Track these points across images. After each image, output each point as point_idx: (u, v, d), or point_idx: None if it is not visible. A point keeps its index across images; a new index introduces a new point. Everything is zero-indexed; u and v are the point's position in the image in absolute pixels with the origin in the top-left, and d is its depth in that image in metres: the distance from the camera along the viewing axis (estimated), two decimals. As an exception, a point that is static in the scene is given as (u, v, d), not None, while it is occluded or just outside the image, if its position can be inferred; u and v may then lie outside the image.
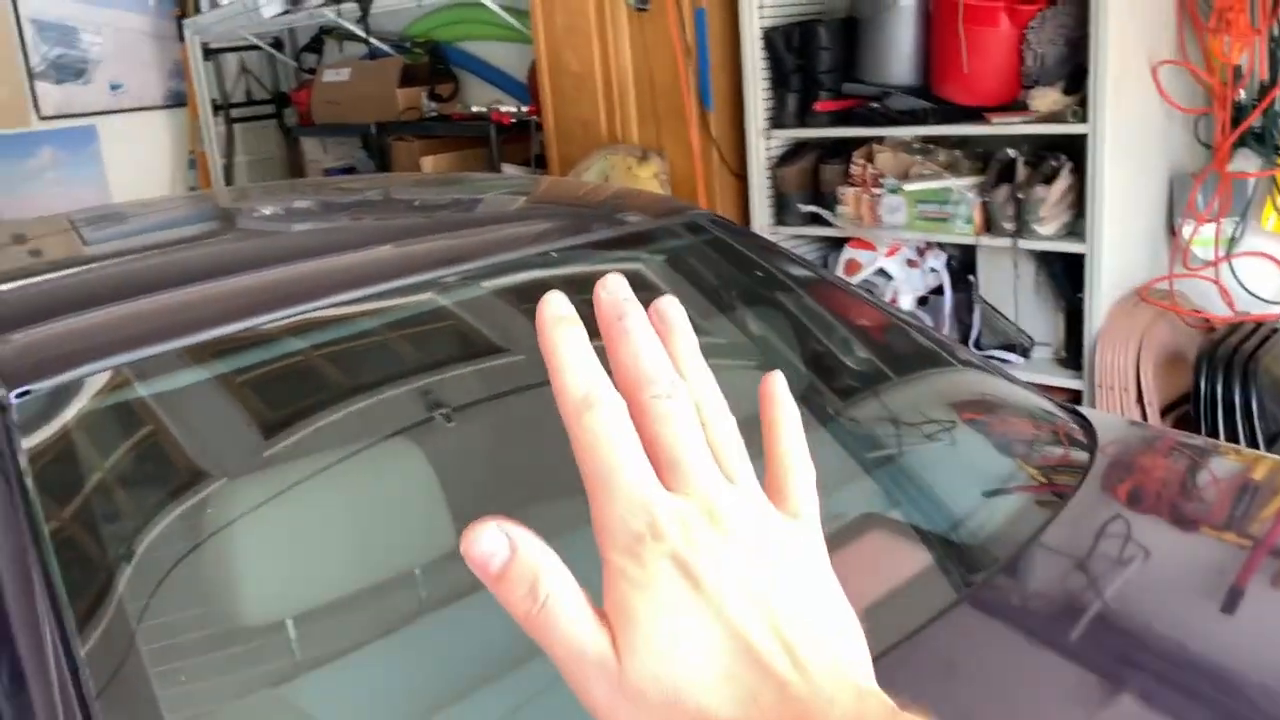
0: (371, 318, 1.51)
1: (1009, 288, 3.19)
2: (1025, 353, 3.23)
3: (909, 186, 3.24)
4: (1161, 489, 1.68)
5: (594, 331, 0.39)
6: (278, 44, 5.76)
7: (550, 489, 1.52)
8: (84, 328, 1.29)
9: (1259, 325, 2.87)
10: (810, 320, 1.92)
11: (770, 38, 3.44)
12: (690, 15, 3.55)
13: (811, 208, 3.54)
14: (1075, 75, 2.88)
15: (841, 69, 3.37)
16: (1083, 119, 2.80)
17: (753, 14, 3.42)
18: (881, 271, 3.40)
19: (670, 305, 0.41)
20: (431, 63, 4.91)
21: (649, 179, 3.67)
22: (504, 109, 4.36)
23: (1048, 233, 2.99)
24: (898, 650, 1.13)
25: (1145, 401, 2.87)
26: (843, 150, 3.49)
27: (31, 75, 5.27)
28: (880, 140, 3.39)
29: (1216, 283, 3.00)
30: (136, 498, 1.26)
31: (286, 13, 4.90)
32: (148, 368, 1.27)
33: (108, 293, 1.40)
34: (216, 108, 5.61)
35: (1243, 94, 2.88)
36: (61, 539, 1.08)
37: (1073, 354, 3.10)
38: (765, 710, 0.35)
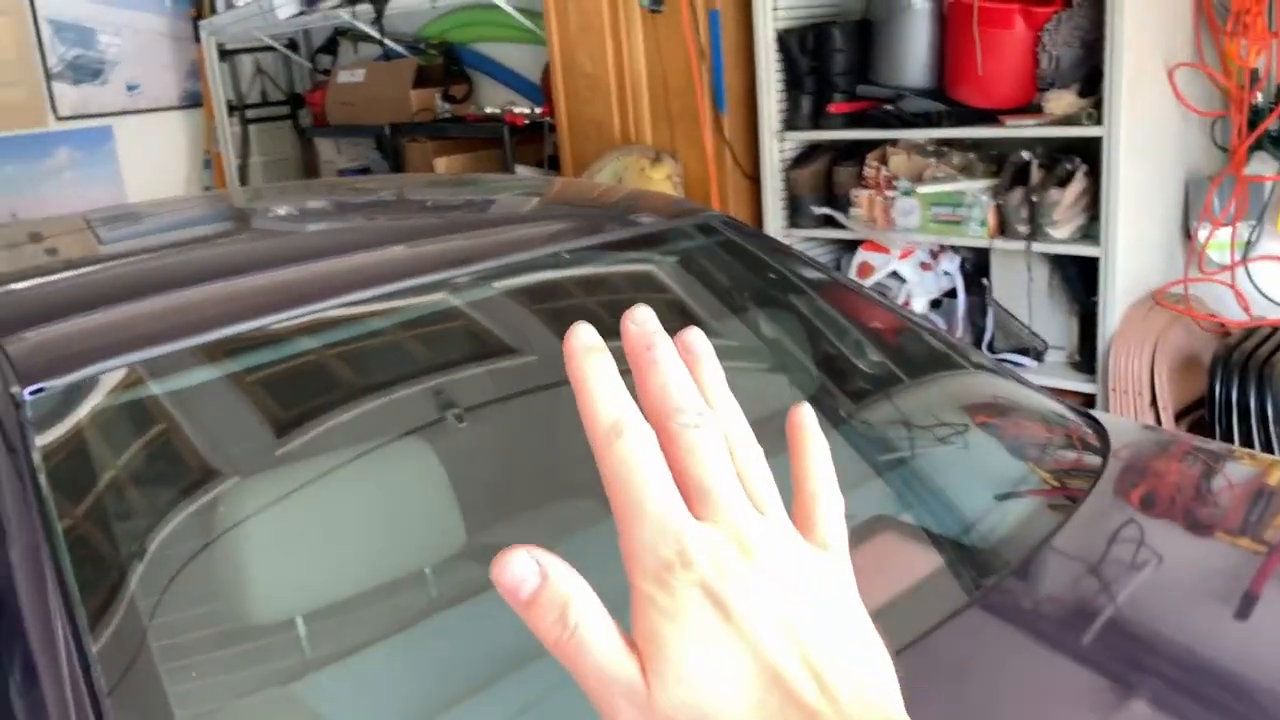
0: (384, 318, 1.51)
1: (1023, 291, 3.18)
2: (1039, 356, 3.22)
3: (923, 189, 3.24)
4: (1174, 493, 1.67)
5: (622, 363, 0.39)
6: (293, 45, 5.78)
7: (561, 489, 1.53)
8: (98, 326, 1.29)
9: (1275, 329, 2.85)
10: (823, 323, 1.91)
11: (784, 39, 3.44)
12: (704, 17, 3.55)
13: (825, 210, 3.54)
14: (1090, 78, 2.87)
15: (856, 71, 3.37)
16: (1098, 122, 2.79)
17: (767, 16, 3.42)
18: (895, 274, 3.39)
19: (697, 337, 0.41)
20: (445, 64, 4.92)
21: (662, 180, 3.67)
22: (517, 110, 4.37)
23: (1062, 236, 2.98)
24: (908, 652, 1.12)
25: (1159, 406, 2.86)
26: (856, 153, 3.48)
27: (49, 76, 5.30)
28: (894, 143, 3.38)
29: (1232, 287, 2.98)
30: (149, 495, 1.26)
31: (302, 14, 4.92)
32: (161, 366, 1.28)
33: (121, 291, 1.41)
34: (232, 108, 5.63)
35: (1260, 97, 2.87)
36: (74, 536, 1.08)
37: (1086, 358, 3.08)
38: None
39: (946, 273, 3.41)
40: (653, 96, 3.77)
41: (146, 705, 1.02)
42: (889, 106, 3.27)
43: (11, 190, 5.19)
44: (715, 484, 0.37)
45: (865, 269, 3.43)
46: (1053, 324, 3.22)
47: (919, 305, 3.36)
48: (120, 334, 1.28)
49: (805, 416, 0.44)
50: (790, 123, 3.53)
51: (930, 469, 1.66)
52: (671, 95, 3.71)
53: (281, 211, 2.14)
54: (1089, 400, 2.99)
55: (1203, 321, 3.00)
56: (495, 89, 4.89)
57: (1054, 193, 2.95)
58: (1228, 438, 2.71)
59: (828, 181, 3.54)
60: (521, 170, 4.31)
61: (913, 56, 3.20)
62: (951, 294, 3.41)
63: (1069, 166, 2.98)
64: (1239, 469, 1.77)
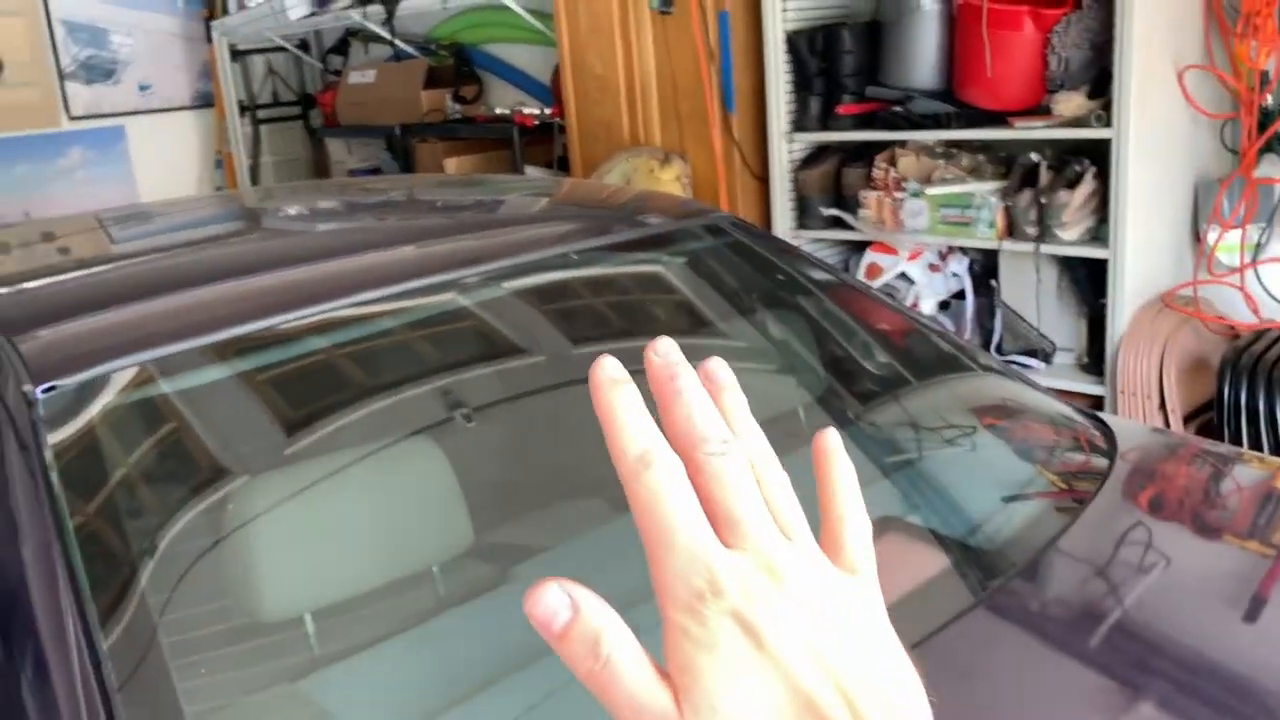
0: (393, 317, 1.52)
1: (1031, 293, 3.18)
2: (1047, 358, 3.21)
3: (931, 190, 3.23)
4: (1182, 495, 1.67)
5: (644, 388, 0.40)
6: (304, 46, 5.80)
7: (569, 489, 1.53)
8: (109, 325, 1.30)
9: (1284, 332, 2.85)
10: (831, 324, 1.92)
11: (793, 41, 3.44)
12: (714, 18, 3.56)
13: (833, 211, 3.54)
14: (1100, 80, 2.87)
15: (865, 72, 3.37)
16: (1107, 124, 2.79)
17: (776, 17, 3.42)
18: (903, 275, 3.39)
19: (719, 366, 0.42)
20: (456, 65, 4.93)
21: (671, 181, 3.68)
22: (527, 111, 4.38)
23: (1071, 238, 2.98)
24: (914, 653, 1.13)
25: (1168, 408, 2.85)
26: (865, 154, 3.48)
27: (62, 76, 5.33)
28: (903, 144, 3.38)
29: (1241, 289, 2.97)
30: (159, 493, 1.27)
31: (313, 15, 4.94)
32: (172, 365, 1.29)
33: (133, 290, 1.42)
34: (243, 109, 5.66)
35: (1270, 99, 2.86)
36: (85, 533, 1.09)
37: (1095, 360, 3.08)
38: None
39: (955, 274, 3.41)
40: (662, 97, 3.78)
41: (156, 701, 1.03)
42: (898, 108, 3.27)
43: (24, 190, 5.22)
44: (743, 512, 0.37)
45: (873, 270, 3.43)
46: (1061, 326, 3.21)
47: (927, 307, 3.36)
48: (131, 333, 1.29)
49: (831, 442, 0.44)
50: (799, 124, 3.53)
51: (937, 470, 1.66)
52: (680, 96, 3.72)
53: (292, 211, 2.15)
54: (1097, 402, 2.99)
55: (1212, 324, 2.99)
56: (505, 90, 4.90)
57: (1063, 194, 2.95)
58: (1236, 440, 2.70)
59: (836, 183, 3.54)
60: (531, 171, 4.32)
61: (922, 58, 3.20)
62: (960, 295, 3.41)
63: (1078, 168, 2.97)
64: (1247, 472, 1.77)
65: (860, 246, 3.55)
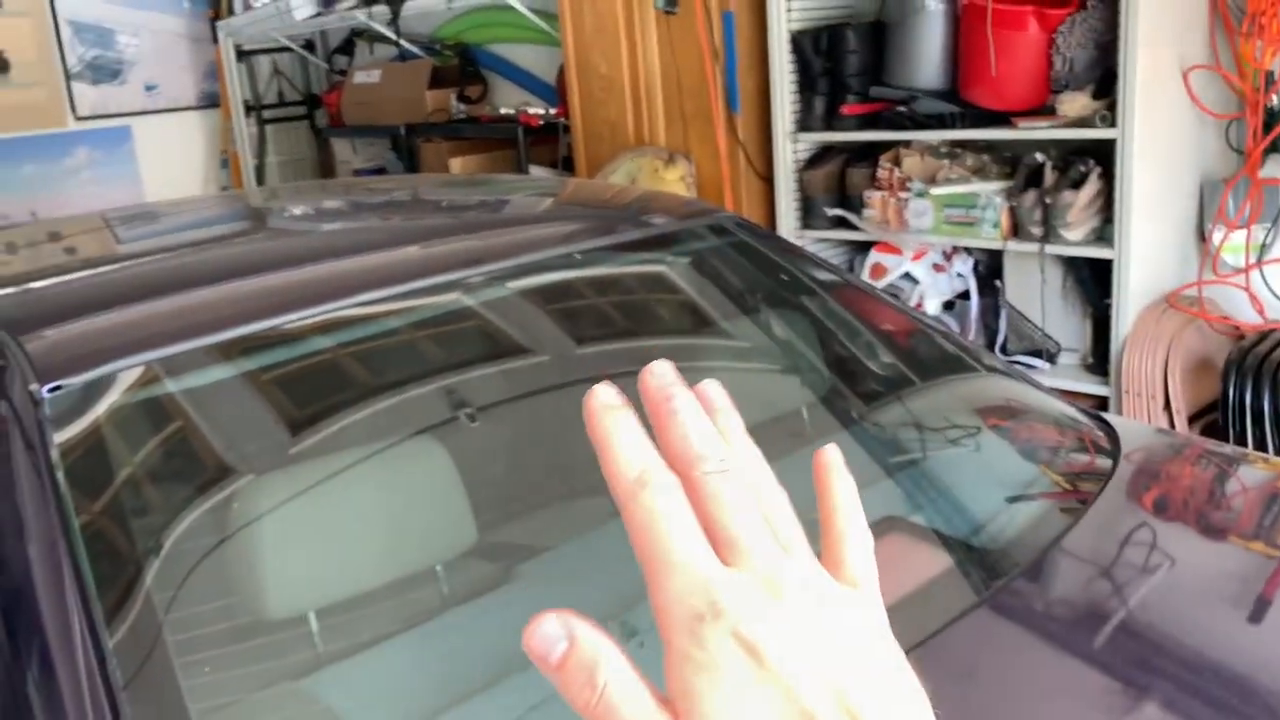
0: (397, 317, 1.52)
1: (1036, 293, 3.18)
2: (1052, 358, 3.21)
3: (936, 190, 3.23)
4: (1185, 496, 1.67)
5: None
6: (309, 46, 5.81)
7: (572, 488, 1.54)
8: (115, 324, 1.31)
9: (1289, 333, 2.84)
10: (835, 324, 1.92)
11: (798, 41, 3.44)
12: (718, 18, 3.56)
13: (838, 211, 3.54)
14: (1104, 79, 2.87)
15: (869, 72, 3.37)
16: (1112, 124, 2.79)
17: (781, 17, 3.42)
18: (907, 276, 3.39)
19: (713, 388, 0.42)
20: (461, 65, 4.94)
21: (675, 182, 3.68)
22: (532, 111, 4.38)
23: (1075, 238, 2.98)
24: (916, 652, 1.13)
25: (1173, 409, 2.85)
26: (870, 154, 3.48)
27: (68, 76, 5.34)
28: (907, 144, 3.38)
29: (1247, 290, 2.97)
30: (165, 492, 1.28)
31: (318, 15, 4.95)
32: (177, 364, 1.29)
33: (139, 290, 1.43)
34: (249, 109, 5.67)
35: (1275, 99, 2.86)
36: (91, 532, 1.10)
37: (1100, 360, 3.08)
38: None
39: (959, 274, 3.41)
40: (666, 97, 3.78)
41: (162, 699, 1.03)
42: (902, 108, 3.27)
43: (31, 190, 5.24)
44: (742, 530, 0.37)
45: (878, 270, 3.43)
46: (1066, 326, 3.21)
47: (932, 307, 3.36)
48: (137, 332, 1.29)
49: (832, 457, 0.44)
50: (804, 124, 3.53)
51: (941, 470, 1.66)
52: (685, 96, 3.72)
53: (297, 211, 2.16)
54: (1102, 403, 2.98)
55: (1217, 324, 2.99)
56: (510, 90, 4.91)
57: (1068, 195, 2.95)
58: (1241, 441, 2.70)
59: (841, 183, 3.54)
60: (536, 171, 4.32)
61: (926, 58, 3.20)
62: (964, 296, 3.41)
63: (1083, 168, 2.97)
64: (1252, 472, 1.77)
65: (865, 247, 3.55)
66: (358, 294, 1.42)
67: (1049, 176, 3.03)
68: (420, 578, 1.31)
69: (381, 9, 4.63)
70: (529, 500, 1.49)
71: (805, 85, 3.49)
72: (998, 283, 3.31)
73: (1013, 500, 1.57)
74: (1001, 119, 3.07)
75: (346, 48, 5.68)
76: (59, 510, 1.07)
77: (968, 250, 3.39)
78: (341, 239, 1.81)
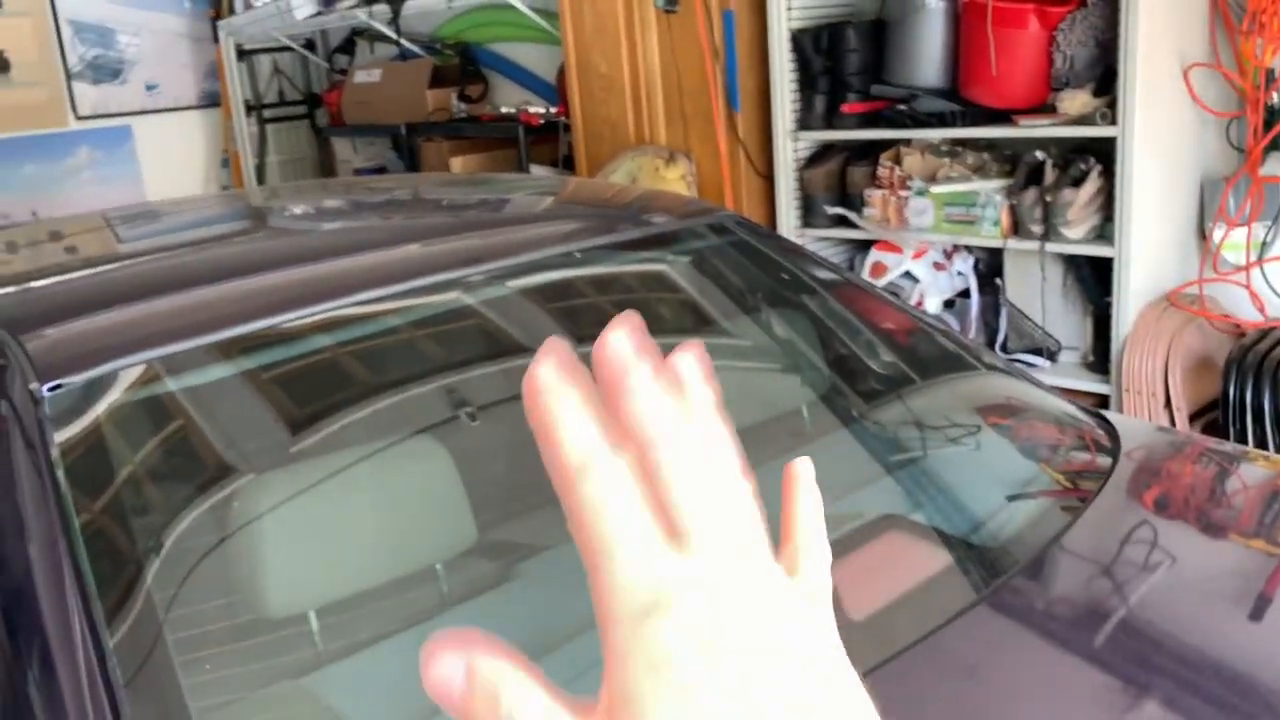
0: (398, 316, 1.52)
1: (1036, 291, 3.18)
2: (1052, 357, 3.21)
3: (936, 189, 3.23)
4: (1186, 494, 1.67)
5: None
6: (310, 45, 5.81)
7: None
8: (115, 323, 1.31)
9: (1290, 331, 2.84)
10: (835, 323, 1.92)
11: (798, 39, 3.44)
12: (718, 17, 3.56)
13: (838, 210, 3.54)
14: (1105, 77, 2.87)
15: (870, 71, 3.37)
16: (1112, 122, 2.79)
17: (781, 16, 3.42)
18: (908, 274, 3.39)
19: (685, 360, 0.38)
20: (461, 64, 4.94)
21: (676, 181, 3.68)
22: (533, 110, 4.38)
23: (1076, 236, 2.98)
24: (915, 650, 1.13)
25: (1173, 407, 2.85)
26: (870, 152, 3.48)
27: (69, 76, 5.34)
28: (908, 142, 3.38)
29: (1247, 288, 2.97)
30: (165, 491, 1.28)
31: (319, 14, 4.95)
32: (177, 363, 1.29)
33: (139, 289, 1.43)
34: (249, 108, 5.67)
35: (1275, 97, 2.86)
36: (91, 531, 1.10)
37: (1100, 358, 3.08)
38: None
39: (960, 273, 3.41)
40: (667, 96, 3.78)
41: (162, 697, 1.03)
42: (903, 106, 3.27)
43: (32, 189, 5.24)
44: (697, 520, 0.34)
45: (878, 269, 3.43)
46: (1066, 324, 3.21)
47: (932, 305, 3.36)
48: (137, 331, 1.30)
49: (802, 471, 0.42)
50: (804, 122, 3.53)
51: (941, 468, 1.66)
52: (686, 95, 3.72)
53: (297, 211, 2.16)
54: (1103, 401, 2.98)
55: (1217, 322, 2.98)
56: (511, 89, 4.91)
57: (1068, 193, 2.95)
58: (1242, 439, 2.70)
59: (841, 181, 3.54)
60: (536, 170, 4.32)
61: (927, 56, 3.20)
62: (965, 294, 3.41)
63: (1083, 166, 2.97)
64: (1253, 470, 1.77)
65: (865, 245, 3.55)
66: (358, 293, 1.42)
67: (1049, 174, 3.03)
68: (420, 576, 1.32)
69: (382, 8, 4.63)
70: (529, 499, 1.49)
71: (805, 84, 3.49)
72: (998, 281, 3.31)
73: (1013, 498, 1.57)
74: (1002, 117, 3.07)
75: (347, 47, 5.68)
76: (59, 509, 1.08)
77: (968, 248, 3.38)
78: (342, 238, 1.81)
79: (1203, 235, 3.07)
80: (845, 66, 3.37)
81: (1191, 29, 2.89)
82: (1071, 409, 1.78)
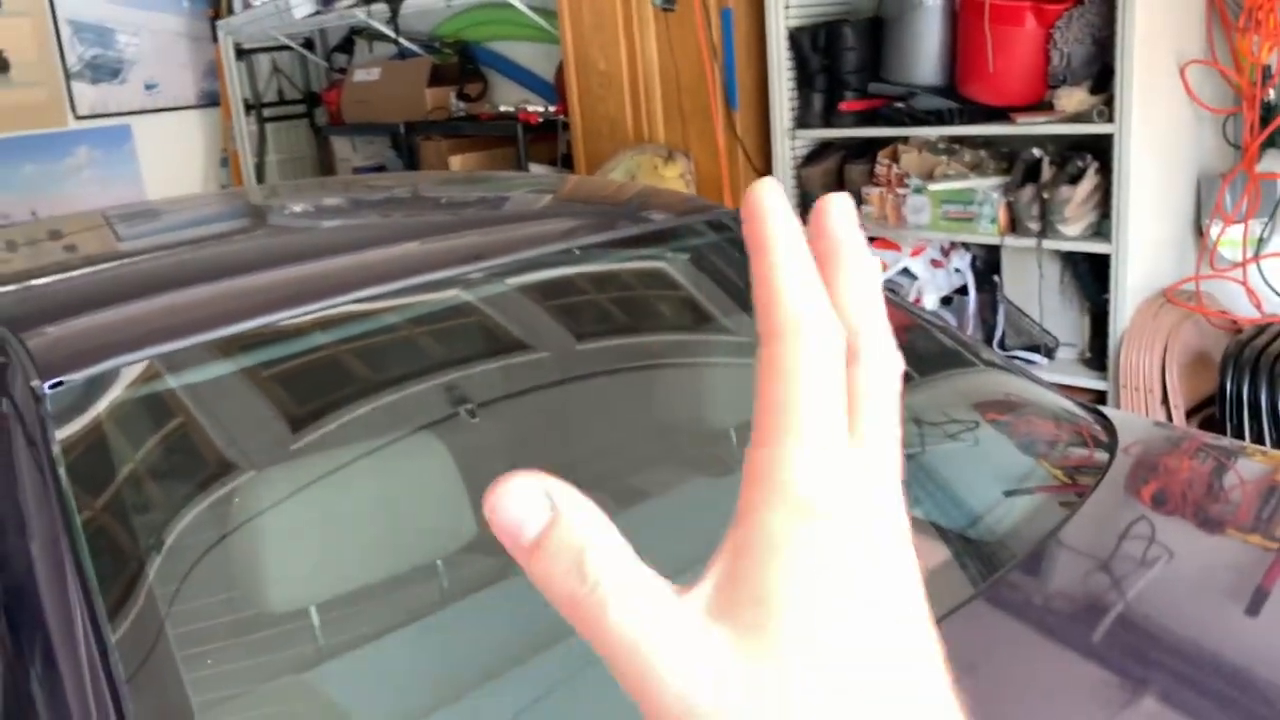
0: (398, 313, 1.53)
1: (1034, 288, 3.18)
2: (1050, 353, 3.22)
3: (934, 186, 3.24)
4: (1182, 488, 1.68)
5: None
6: (309, 44, 5.81)
7: (573, 483, 1.54)
8: (116, 321, 1.32)
9: (1287, 327, 2.85)
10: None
11: (796, 37, 3.44)
12: (716, 15, 3.56)
13: (836, 207, 3.53)
14: (1102, 75, 2.87)
15: (867, 69, 3.37)
16: (1109, 119, 2.79)
17: (779, 14, 3.43)
18: (906, 271, 3.39)
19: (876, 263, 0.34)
20: (460, 63, 4.94)
21: (674, 179, 3.68)
22: (531, 108, 4.39)
23: (1073, 233, 2.98)
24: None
25: (1171, 403, 2.85)
26: (868, 150, 3.49)
27: (68, 75, 5.35)
28: (905, 140, 3.39)
29: (1244, 284, 2.97)
30: (166, 488, 1.28)
31: (318, 13, 4.95)
32: (178, 360, 1.30)
33: (140, 287, 1.44)
34: (249, 107, 5.67)
35: (1272, 94, 2.86)
36: (93, 528, 1.10)
37: (1098, 355, 3.08)
38: None
39: (958, 270, 3.41)
40: (665, 94, 3.79)
41: (164, 693, 1.04)
42: (900, 104, 3.28)
43: (32, 189, 5.24)
44: (887, 425, 0.31)
45: (877, 266, 3.43)
46: (1064, 321, 3.22)
47: (930, 302, 3.37)
48: (138, 329, 1.30)
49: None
50: (802, 120, 3.53)
51: (939, 464, 1.67)
52: (684, 93, 3.72)
53: (297, 209, 2.16)
54: (1100, 397, 2.99)
55: (1214, 319, 2.99)
56: (509, 87, 4.91)
57: (1065, 190, 2.95)
58: (1239, 435, 2.71)
59: (839, 179, 3.55)
60: (535, 168, 4.33)
61: (924, 54, 3.20)
62: (962, 291, 3.42)
63: (1080, 164, 2.98)
64: (1249, 465, 1.77)
65: (863, 242, 3.55)
66: (358, 290, 1.42)
67: (1046, 172, 3.03)
68: (421, 572, 1.32)
69: (381, 7, 4.63)
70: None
71: (803, 82, 3.49)
72: (996, 278, 3.31)
73: (1010, 493, 1.58)
74: (999, 114, 3.08)
75: (346, 46, 5.68)
76: (61, 506, 1.08)
77: (966, 246, 3.39)
78: (341, 236, 1.81)
79: (1199, 232, 3.07)
80: (843, 64, 3.38)
81: (1188, 26, 2.89)
82: (1069, 405, 1.78)
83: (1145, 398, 2.88)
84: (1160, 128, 2.85)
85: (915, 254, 3.38)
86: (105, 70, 5.46)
